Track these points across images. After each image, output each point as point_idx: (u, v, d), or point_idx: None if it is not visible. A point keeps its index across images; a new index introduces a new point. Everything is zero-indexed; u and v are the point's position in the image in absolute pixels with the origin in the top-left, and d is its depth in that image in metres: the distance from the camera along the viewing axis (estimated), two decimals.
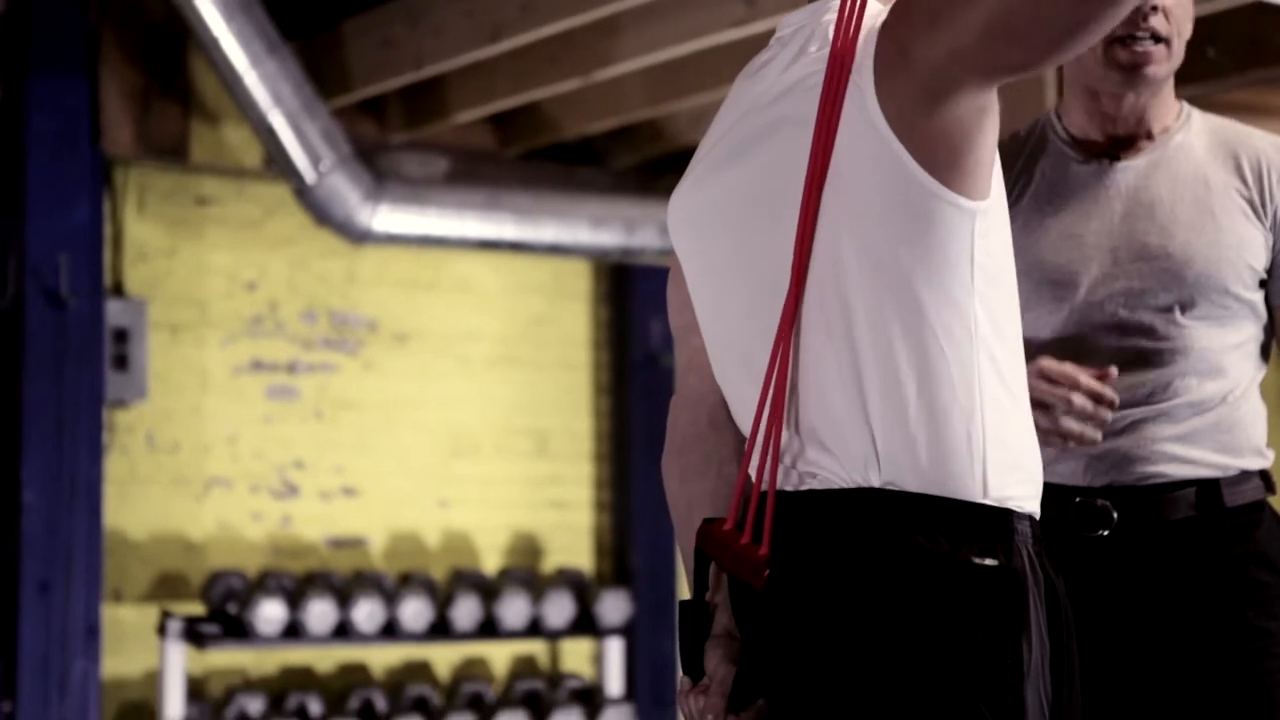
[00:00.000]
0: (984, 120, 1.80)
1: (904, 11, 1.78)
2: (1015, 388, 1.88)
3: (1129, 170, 2.65)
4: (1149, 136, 2.68)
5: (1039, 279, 2.59)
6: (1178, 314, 2.59)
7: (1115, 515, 2.56)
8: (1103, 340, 2.58)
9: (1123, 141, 2.67)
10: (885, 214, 1.80)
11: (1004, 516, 1.83)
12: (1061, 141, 2.69)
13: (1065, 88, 2.71)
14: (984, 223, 1.82)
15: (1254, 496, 2.63)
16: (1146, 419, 2.58)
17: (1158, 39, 2.62)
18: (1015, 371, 1.88)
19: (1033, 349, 2.53)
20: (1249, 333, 2.65)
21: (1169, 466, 2.59)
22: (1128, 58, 2.60)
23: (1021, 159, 2.69)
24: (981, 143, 1.80)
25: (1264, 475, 2.66)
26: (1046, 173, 2.66)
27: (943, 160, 1.78)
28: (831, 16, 1.89)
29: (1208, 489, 2.59)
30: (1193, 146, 2.67)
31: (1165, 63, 2.64)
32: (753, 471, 1.92)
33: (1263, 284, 2.65)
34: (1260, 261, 2.63)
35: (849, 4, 1.84)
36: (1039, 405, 2.38)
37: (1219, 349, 2.61)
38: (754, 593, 1.87)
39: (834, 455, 1.84)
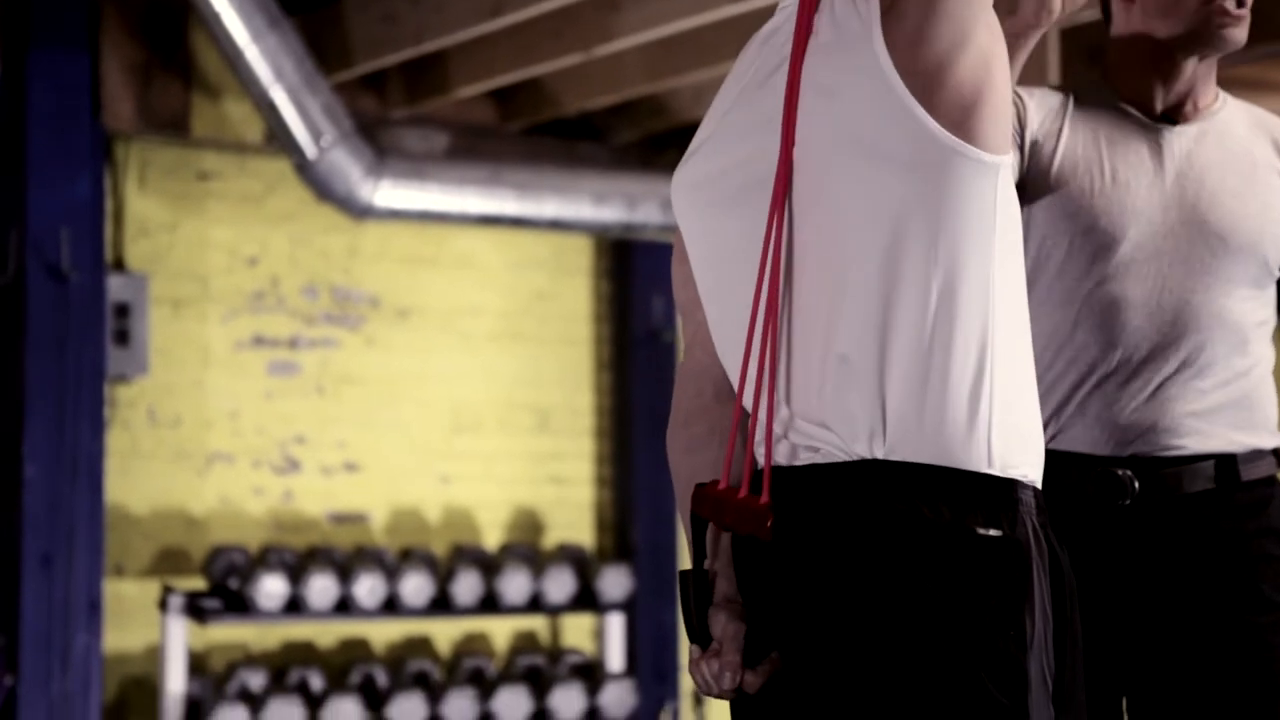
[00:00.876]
0: (993, 71, 1.79)
1: None
2: (1023, 355, 1.87)
3: (1183, 135, 2.66)
4: (1195, 108, 2.68)
5: (1085, 229, 2.60)
6: (1217, 281, 2.60)
7: (1136, 486, 2.56)
8: (1142, 297, 2.58)
9: (1172, 110, 2.68)
10: (906, 175, 1.79)
11: (1009, 487, 1.82)
12: (1117, 100, 2.69)
13: (1117, 51, 2.71)
14: (1005, 176, 1.82)
15: (1267, 472, 2.65)
16: (1175, 389, 2.59)
17: (1241, 3, 2.64)
18: (1023, 338, 1.88)
19: (1074, 298, 2.55)
20: (1271, 313, 2.68)
21: (1191, 440, 2.60)
22: (1223, 18, 2.62)
23: (1066, 112, 2.68)
24: (995, 94, 1.80)
25: (1277, 453, 2.68)
26: (1101, 128, 2.66)
27: (960, 114, 1.78)
28: None
29: (1226, 463, 2.61)
30: (1236, 123, 2.69)
31: (1244, 31, 2.66)
32: (758, 442, 1.92)
33: None
34: None
35: None
36: None
37: (1248, 324, 2.63)
38: (756, 551, 1.88)
39: (840, 425, 1.83)
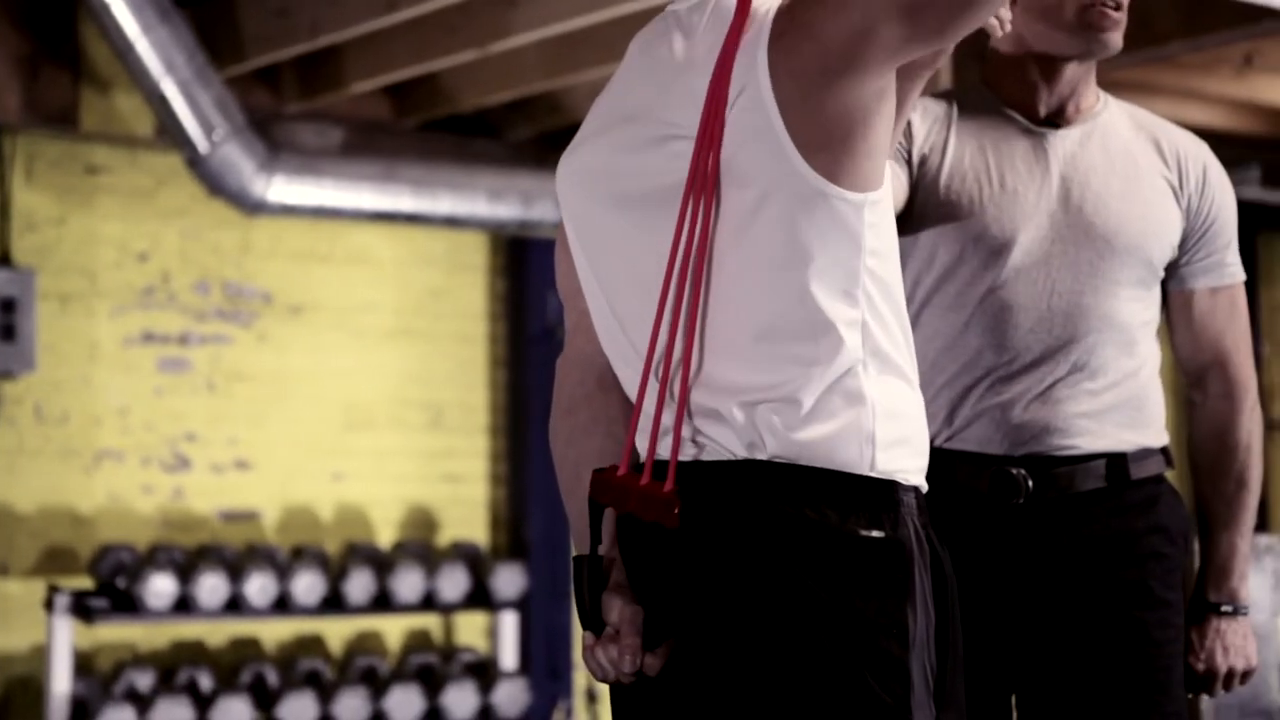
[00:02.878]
0: (882, 104, 1.82)
1: None
2: (903, 362, 1.89)
3: (1067, 139, 2.69)
4: (1078, 110, 2.71)
5: (976, 236, 2.62)
6: (1104, 283, 2.64)
7: (1030, 484, 2.59)
8: (1032, 301, 2.61)
9: (1055, 113, 2.70)
10: (775, 203, 1.81)
11: (890, 489, 1.84)
12: (1000, 106, 2.71)
13: (998, 56, 2.73)
14: (873, 213, 1.83)
15: (1156, 470, 2.72)
16: (1066, 390, 2.63)
17: (1119, 7, 2.66)
18: (903, 345, 1.90)
19: (966, 303, 2.57)
20: (1155, 313, 2.74)
21: (1083, 439, 2.64)
22: (1102, 21, 2.63)
23: (951, 121, 2.69)
24: (878, 127, 1.82)
25: (1165, 451, 2.74)
26: (986, 135, 2.68)
27: (832, 152, 1.80)
28: None
29: (1116, 462, 2.66)
30: (1118, 125, 2.72)
31: (1120, 35, 2.67)
32: (642, 439, 1.92)
33: (1168, 268, 2.72)
34: (1176, 242, 2.70)
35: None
36: None
37: (1136, 324, 2.68)
38: (647, 538, 1.88)
39: (725, 425, 1.85)
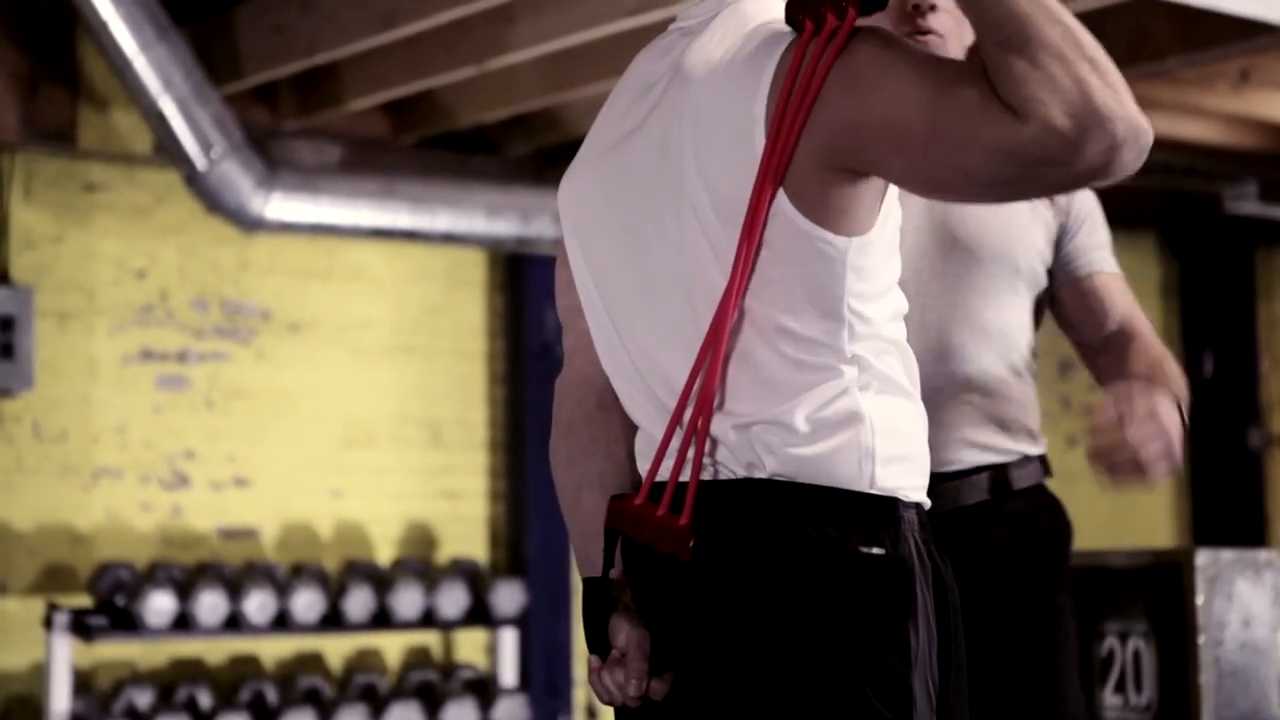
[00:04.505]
0: (864, 189, 1.81)
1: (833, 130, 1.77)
2: (902, 378, 1.89)
3: None
4: None
5: None
6: (973, 294, 2.67)
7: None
8: (910, 319, 2.62)
9: None
10: (767, 240, 1.80)
11: (890, 505, 1.84)
12: None
13: None
14: (859, 254, 1.81)
15: (1036, 479, 2.75)
16: (946, 404, 2.65)
17: (931, 9, 2.64)
18: (903, 361, 1.90)
19: None
20: (1029, 318, 2.76)
21: (969, 453, 2.67)
22: (913, 34, 2.62)
23: None
24: (867, 187, 1.81)
25: (1043, 459, 2.77)
26: None
27: (823, 205, 1.79)
28: (732, 9, 1.89)
29: (998, 473, 2.69)
30: None
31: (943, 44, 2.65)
32: (643, 461, 1.92)
33: (1054, 268, 2.77)
34: (1043, 246, 2.74)
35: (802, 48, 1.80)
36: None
37: (1010, 331, 2.71)
38: (654, 560, 1.88)
39: (723, 446, 1.85)
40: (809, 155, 1.77)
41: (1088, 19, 5.94)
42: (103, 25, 5.53)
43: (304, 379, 6.87)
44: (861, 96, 1.74)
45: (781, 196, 1.78)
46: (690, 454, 1.85)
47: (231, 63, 6.07)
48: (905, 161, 1.73)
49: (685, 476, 1.87)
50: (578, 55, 5.90)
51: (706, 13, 1.93)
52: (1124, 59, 6.10)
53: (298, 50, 5.85)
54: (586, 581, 1.96)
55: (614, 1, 5.16)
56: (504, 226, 6.70)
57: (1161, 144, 7.95)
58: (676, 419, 1.87)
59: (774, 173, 1.77)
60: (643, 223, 1.91)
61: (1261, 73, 6.55)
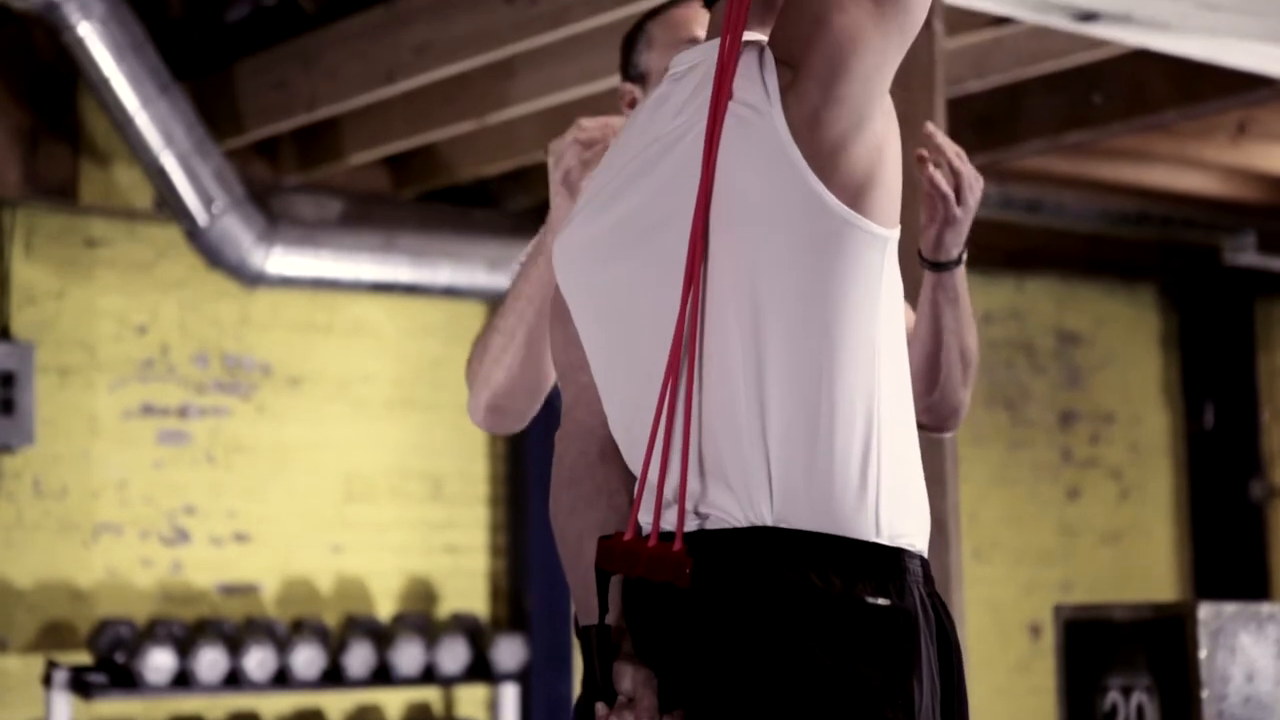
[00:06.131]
0: (885, 153, 1.84)
1: (801, 74, 1.82)
2: (907, 422, 1.89)
3: None
4: None
5: None
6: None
7: None
8: None
9: None
10: (797, 244, 1.81)
11: (896, 556, 1.83)
12: None
13: None
14: (892, 250, 1.85)
15: None
16: None
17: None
18: (906, 407, 1.89)
19: None
20: None
21: None
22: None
23: None
24: (886, 173, 1.84)
25: None
26: None
27: (853, 190, 1.81)
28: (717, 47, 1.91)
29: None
30: None
31: None
32: (645, 513, 1.91)
33: None
34: None
35: (727, 37, 1.87)
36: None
37: None
38: (659, 604, 1.86)
39: (729, 492, 1.84)
40: (829, 143, 1.82)
41: (1086, 72, 5.95)
42: (104, 81, 5.55)
43: (305, 434, 6.87)
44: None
45: (824, 191, 1.81)
46: (681, 494, 1.84)
47: (233, 118, 6.09)
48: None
49: (673, 520, 1.86)
50: (578, 108, 5.91)
51: (696, 58, 1.95)
52: (1122, 111, 6.13)
53: (299, 105, 5.88)
54: (584, 628, 1.94)
55: (613, 55, 5.17)
56: (505, 280, 6.70)
57: (1160, 196, 8.00)
58: (665, 460, 1.87)
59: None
60: (641, 270, 1.91)
61: (1259, 125, 6.57)
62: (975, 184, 2.51)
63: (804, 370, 1.82)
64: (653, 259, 1.91)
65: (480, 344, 2.69)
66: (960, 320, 2.54)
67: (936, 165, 2.50)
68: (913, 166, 2.39)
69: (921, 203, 2.50)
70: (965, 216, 2.51)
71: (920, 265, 2.52)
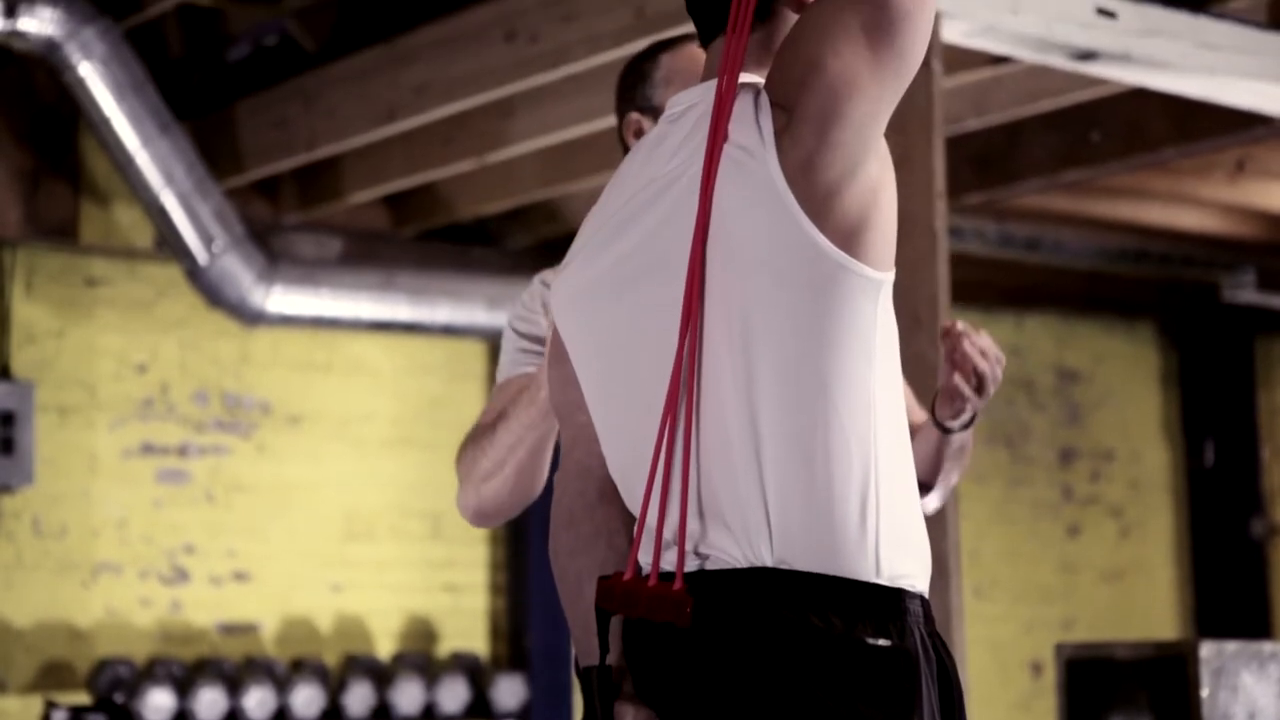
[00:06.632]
0: (880, 197, 1.84)
1: (797, 117, 1.83)
2: (904, 463, 1.89)
3: None
4: None
5: None
6: None
7: None
8: None
9: None
10: (791, 287, 1.82)
11: (896, 596, 1.83)
12: None
13: None
14: (886, 294, 1.85)
15: None
16: None
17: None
18: (904, 448, 1.89)
19: None
20: None
21: None
22: None
23: None
24: (880, 217, 1.84)
25: None
26: None
27: (846, 234, 1.82)
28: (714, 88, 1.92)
29: None
30: None
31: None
32: (644, 554, 1.91)
33: None
34: None
35: (724, 79, 1.87)
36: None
37: None
38: (659, 645, 1.86)
39: (728, 533, 1.84)
40: (824, 187, 1.81)
41: (1085, 110, 5.96)
42: (105, 121, 5.57)
43: (304, 472, 6.86)
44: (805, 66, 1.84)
45: (817, 235, 1.81)
46: (680, 534, 1.84)
47: (233, 157, 6.10)
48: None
49: (673, 560, 1.86)
50: (576, 148, 5.94)
51: (693, 99, 1.95)
52: (1120, 149, 6.14)
53: (299, 144, 5.89)
54: (585, 670, 1.94)
55: (611, 95, 5.19)
56: (504, 318, 6.70)
57: (1159, 233, 8.01)
58: (665, 501, 1.86)
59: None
60: (641, 313, 1.91)
61: (1257, 163, 6.58)
62: (997, 371, 2.58)
63: (797, 413, 1.82)
64: (650, 300, 1.91)
65: (476, 445, 2.65)
66: (960, 460, 2.64)
67: (961, 369, 2.56)
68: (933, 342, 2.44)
69: (940, 387, 2.57)
70: (982, 402, 2.59)
71: (931, 424, 2.61)
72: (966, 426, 2.64)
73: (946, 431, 2.62)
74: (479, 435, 2.63)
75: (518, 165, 6.19)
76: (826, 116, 1.81)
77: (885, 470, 1.85)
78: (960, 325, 2.60)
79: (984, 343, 2.61)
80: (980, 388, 2.60)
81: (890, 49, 1.82)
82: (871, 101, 1.82)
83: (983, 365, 2.58)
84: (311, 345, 6.93)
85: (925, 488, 2.64)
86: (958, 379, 2.57)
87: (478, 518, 2.70)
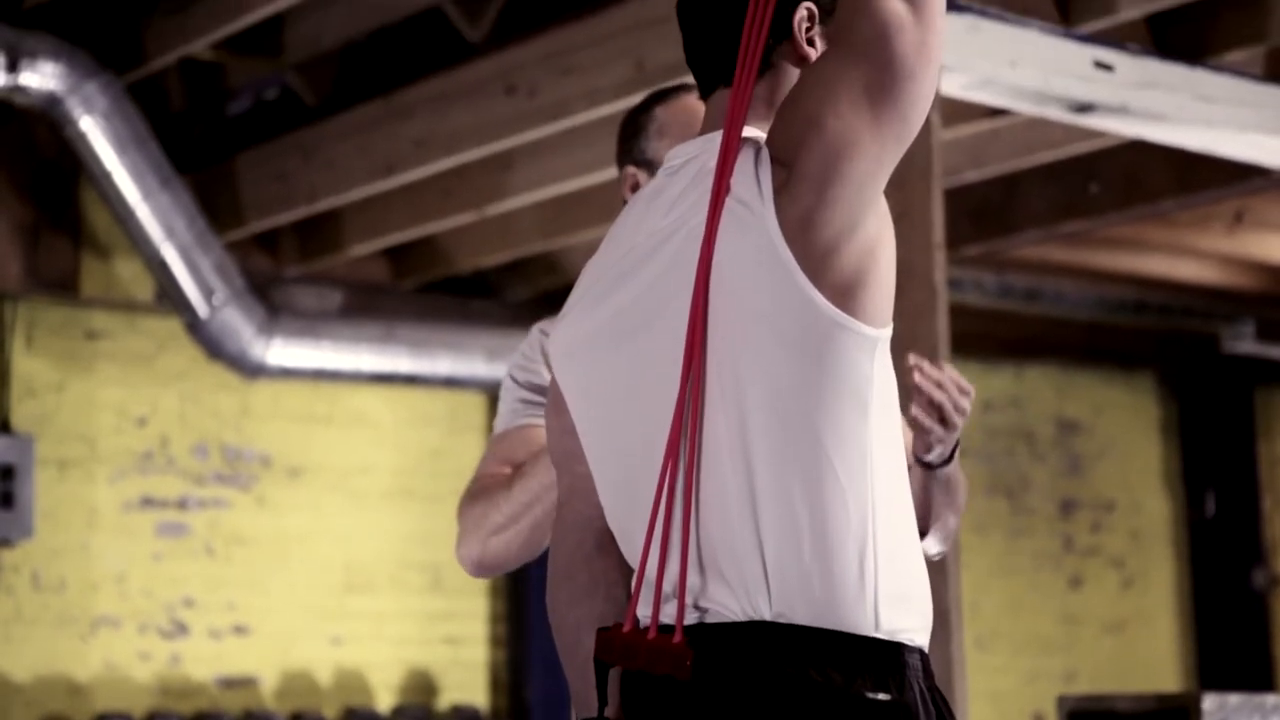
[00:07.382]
0: (878, 255, 1.84)
1: (795, 175, 1.83)
2: (905, 518, 1.88)
3: None
4: None
5: None
6: None
7: None
8: None
9: None
10: (787, 343, 1.82)
11: (895, 650, 1.82)
12: None
13: None
14: (883, 349, 1.85)
15: None
16: None
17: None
18: (904, 500, 1.89)
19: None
20: None
21: None
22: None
23: None
24: (878, 274, 1.84)
25: None
26: None
27: (843, 291, 1.81)
28: (714, 140, 1.92)
29: None
30: None
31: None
32: (643, 607, 1.90)
33: None
34: None
35: (729, 132, 1.87)
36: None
37: None
38: (658, 699, 1.85)
39: (727, 586, 1.83)
40: (823, 245, 1.81)
41: (1083, 162, 5.98)
42: (106, 175, 5.58)
43: (304, 525, 6.85)
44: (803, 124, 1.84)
45: (814, 293, 1.81)
46: (681, 587, 1.84)
47: (233, 210, 6.12)
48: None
49: (671, 614, 1.86)
50: (575, 200, 5.96)
51: (692, 152, 1.96)
52: (1120, 201, 6.16)
53: (299, 197, 5.91)
54: None
55: (610, 147, 5.20)
56: (504, 370, 6.70)
57: (1158, 284, 8.03)
58: (664, 553, 1.86)
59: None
60: (641, 365, 1.91)
61: (1256, 214, 6.60)
62: (961, 401, 2.53)
63: (792, 468, 1.82)
64: (648, 352, 1.91)
65: (489, 498, 2.62)
66: (952, 498, 2.60)
67: (916, 401, 2.53)
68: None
69: (909, 419, 2.55)
70: (952, 434, 2.55)
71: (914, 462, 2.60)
72: (947, 461, 2.61)
73: (927, 466, 2.61)
74: (492, 488, 2.61)
75: (517, 218, 6.21)
76: (826, 175, 1.81)
77: (884, 524, 1.84)
78: (913, 359, 2.57)
79: (941, 375, 2.58)
80: (944, 419, 2.56)
81: (893, 110, 1.82)
82: (871, 161, 1.83)
83: (938, 396, 2.55)
84: (312, 397, 6.93)
85: (920, 531, 2.62)
86: (915, 410, 2.54)
87: (478, 569, 2.69)
